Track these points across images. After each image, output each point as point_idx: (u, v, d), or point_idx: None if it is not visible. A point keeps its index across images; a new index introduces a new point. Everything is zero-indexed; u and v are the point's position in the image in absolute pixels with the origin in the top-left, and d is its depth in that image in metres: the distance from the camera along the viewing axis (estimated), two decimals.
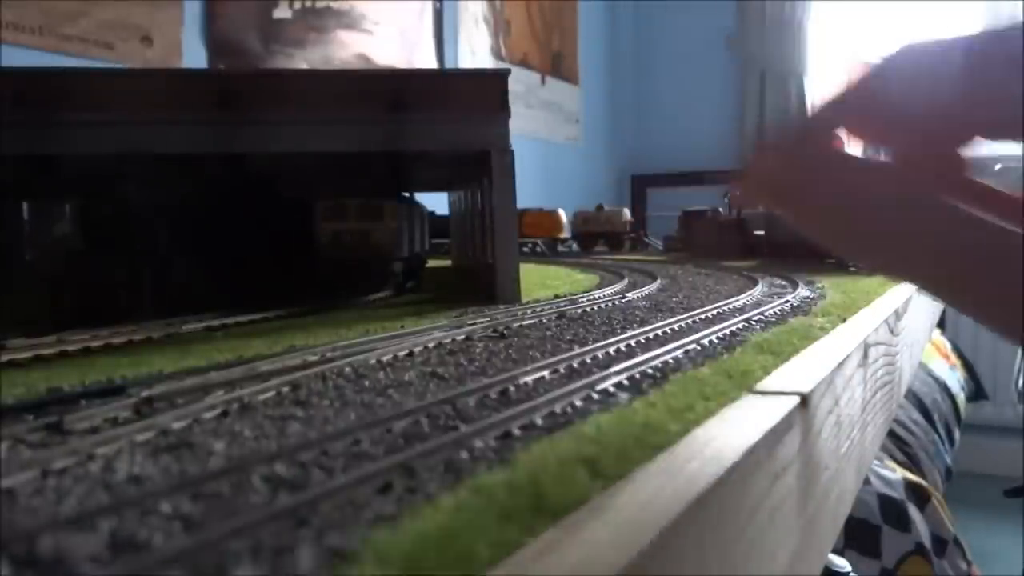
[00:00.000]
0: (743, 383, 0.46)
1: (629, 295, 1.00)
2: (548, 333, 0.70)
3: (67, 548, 0.25)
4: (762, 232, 1.78)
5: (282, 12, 2.38)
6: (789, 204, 0.32)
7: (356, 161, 1.03)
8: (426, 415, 0.41)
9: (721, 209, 2.04)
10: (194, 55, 2.13)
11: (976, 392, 2.97)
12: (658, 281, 1.17)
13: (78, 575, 0.24)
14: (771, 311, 0.81)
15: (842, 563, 1.37)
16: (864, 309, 0.85)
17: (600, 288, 1.06)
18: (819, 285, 1.06)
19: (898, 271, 0.30)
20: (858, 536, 1.58)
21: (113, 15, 1.91)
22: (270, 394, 0.47)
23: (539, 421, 0.40)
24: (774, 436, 0.38)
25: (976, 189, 0.34)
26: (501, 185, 0.95)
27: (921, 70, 0.31)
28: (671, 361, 0.55)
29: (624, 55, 4.37)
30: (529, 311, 0.81)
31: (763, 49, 3.97)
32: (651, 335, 0.67)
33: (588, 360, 0.56)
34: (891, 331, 0.85)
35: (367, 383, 0.51)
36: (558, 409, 0.42)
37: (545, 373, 0.52)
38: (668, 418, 0.38)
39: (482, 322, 0.74)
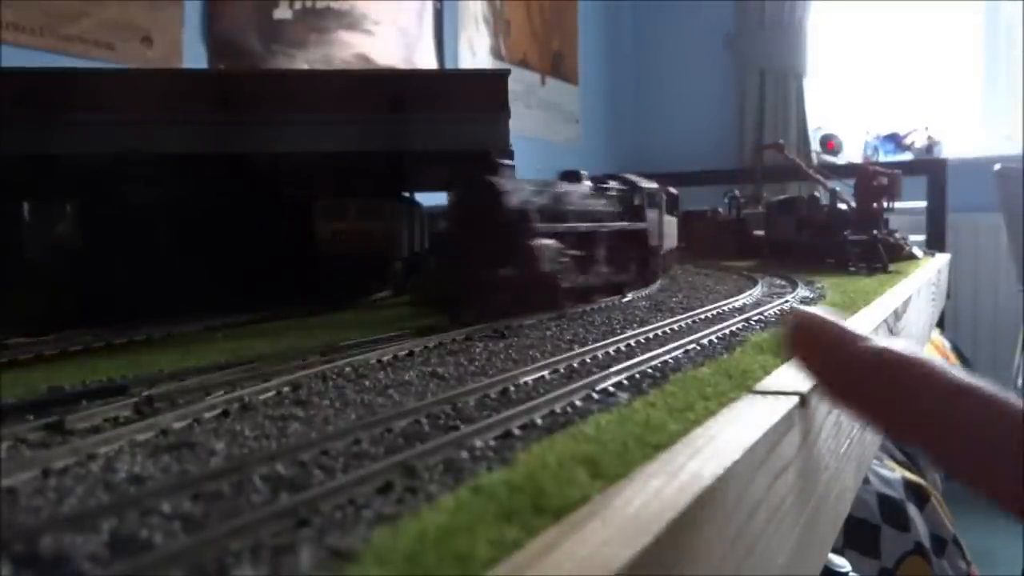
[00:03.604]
0: (743, 383, 0.46)
1: (629, 295, 1.00)
2: (548, 333, 0.70)
3: (68, 547, 0.25)
4: (762, 232, 1.78)
5: (282, 12, 2.38)
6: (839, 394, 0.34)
7: (356, 161, 1.04)
8: (426, 415, 0.41)
9: (721, 209, 2.04)
10: (194, 55, 2.13)
11: None
12: (658, 281, 1.17)
13: (79, 574, 0.24)
14: (771, 311, 0.81)
15: (842, 563, 1.37)
16: (864, 309, 0.85)
17: None
18: (819, 285, 1.06)
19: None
20: (858, 536, 1.58)
21: (114, 15, 1.91)
22: (270, 394, 0.48)
23: (539, 421, 0.40)
24: (774, 436, 0.38)
25: None
26: None
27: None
28: (671, 361, 0.55)
29: (624, 55, 4.37)
30: None
31: (762, 49, 3.98)
32: (651, 335, 0.67)
33: (588, 360, 0.56)
34: (891, 331, 0.85)
35: (367, 383, 0.51)
36: (558, 409, 0.42)
37: (545, 373, 0.52)
38: (668, 418, 0.38)
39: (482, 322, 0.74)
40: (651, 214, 1.07)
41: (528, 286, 0.78)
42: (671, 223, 1.33)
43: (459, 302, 0.77)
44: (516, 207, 0.77)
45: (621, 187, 1.03)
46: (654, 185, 1.09)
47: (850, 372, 0.33)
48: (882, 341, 0.32)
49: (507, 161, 0.80)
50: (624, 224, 0.99)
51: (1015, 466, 0.27)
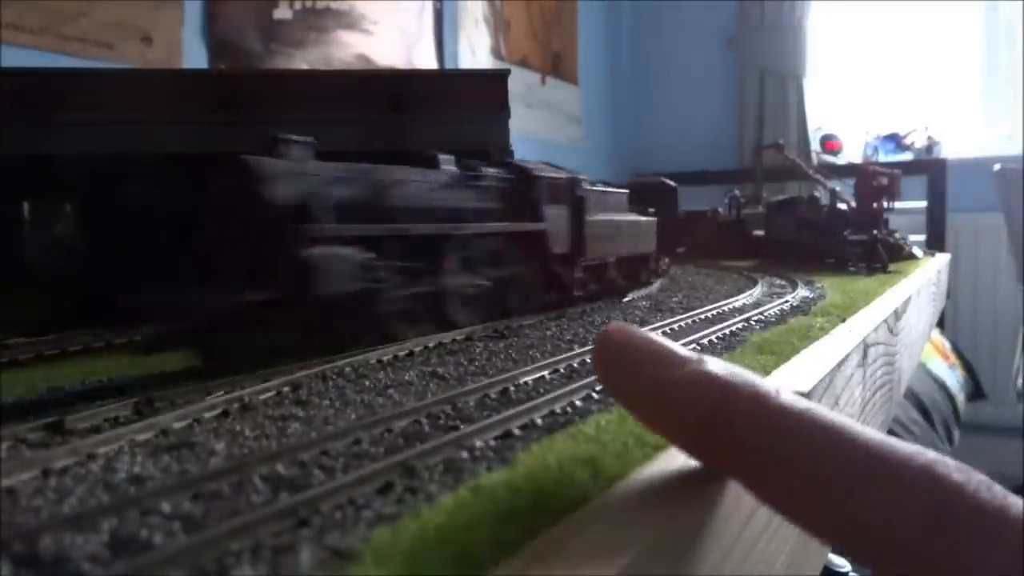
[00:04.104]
0: None
1: (629, 295, 1.00)
2: (548, 333, 0.70)
3: (68, 547, 0.25)
4: (762, 232, 1.78)
5: (282, 12, 2.38)
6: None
7: (356, 161, 1.04)
8: (426, 415, 0.41)
9: (721, 209, 2.04)
10: (194, 55, 2.13)
11: (975, 391, 2.97)
12: (658, 281, 1.18)
13: (79, 574, 0.24)
14: (771, 311, 0.81)
15: (842, 563, 1.37)
16: (864, 309, 0.85)
17: None
18: (819, 285, 1.06)
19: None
20: None
21: (113, 15, 1.91)
22: (270, 394, 0.48)
23: (539, 421, 0.40)
24: None
25: None
26: None
27: None
28: None
29: (624, 55, 4.36)
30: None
31: (762, 50, 3.98)
32: None
33: (588, 360, 0.56)
34: (890, 331, 0.85)
35: (367, 383, 0.51)
36: (558, 409, 0.42)
37: (545, 373, 0.52)
38: None
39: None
40: (555, 211, 0.82)
41: (299, 315, 0.53)
42: (641, 224, 1.08)
43: (205, 337, 0.52)
44: (283, 200, 0.55)
45: (504, 176, 0.78)
46: (562, 175, 0.85)
47: (662, 399, 0.28)
48: (707, 363, 0.28)
49: (300, 137, 0.59)
50: (503, 226, 0.75)
51: (837, 494, 0.24)
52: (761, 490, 0.27)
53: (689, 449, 0.29)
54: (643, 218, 1.11)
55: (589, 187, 0.91)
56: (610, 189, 1.01)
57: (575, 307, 0.86)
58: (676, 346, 0.30)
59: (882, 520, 0.23)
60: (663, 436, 0.30)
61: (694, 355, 0.29)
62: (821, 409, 0.26)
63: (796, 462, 0.25)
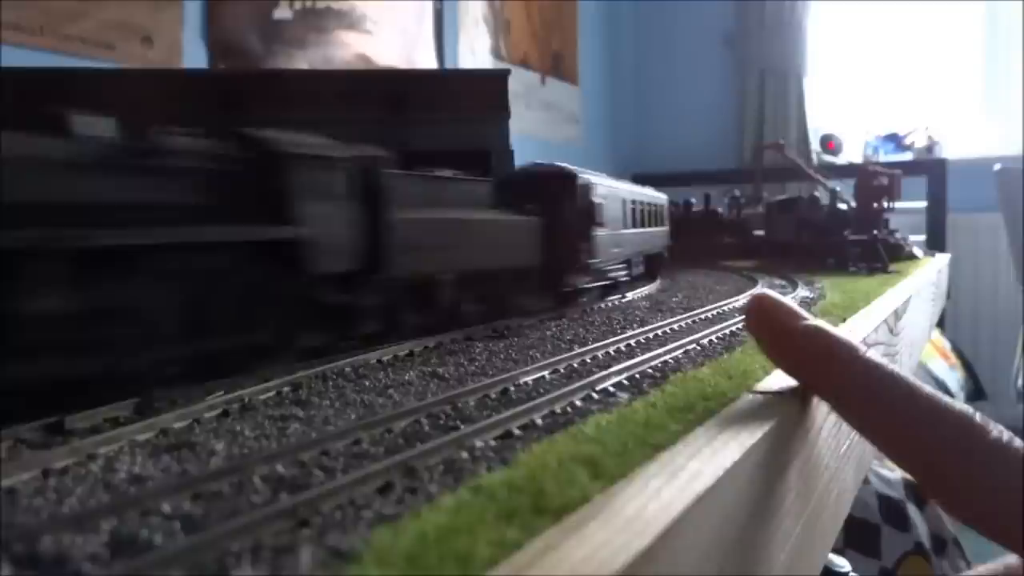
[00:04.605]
0: (743, 383, 0.46)
1: (629, 295, 1.00)
2: (548, 333, 0.70)
3: (68, 548, 0.25)
4: (762, 232, 1.78)
5: (282, 13, 2.38)
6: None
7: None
8: (426, 415, 0.41)
9: (721, 209, 2.04)
10: (194, 55, 2.13)
11: (975, 391, 2.97)
12: (658, 281, 1.18)
13: (79, 574, 0.24)
14: None
15: (842, 563, 1.37)
16: (864, 309, 0.85)
17: None
18: (819, 285, 1.06)
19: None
20: (858, 536, 1.58)
21: (114, 15, 1.91)
22: (270, 394, 0.48)
23: (539, 421, 0.40)
24: (774, 436, 0.38)
25: None
26: None
27: None
28: (671, 361, 0.56)
29: (624, 55, 4.37)
30: None
31: (762, 49, 3.98)
32: (651, 335, 0.67)
33: (588, 360, 0.56)
34: (891, 331, 0.85)
35: (367, 383, 0.51)
36: (558, 409, 0.42)
37: (545, 373, 0.52)
38: (668, 418, 0.38)
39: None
40: (327, 208, 0.57)
41: None
42: (511, 227, 0.78)
43: None
44: None
45: (220, 153, 0.53)
46: (341, 152, 0.60)
47: (788, 341, 0.41)
48: (818, 322, 0.40)
49: None
50: (187, 232, 0.48)
51: (908, 429, 0.35)
52: (847, 416, 0.39)
53: (800, 380, 0.42)
54: (515, 218, 0.79)
55: (404, 172, 0.65)
56: (453, 177, 0.74)
57: (365, 351, 0.59)
58: (799, 308, 0.42)
59: (932, 447, 0.35)
60: (785, 372, 0.43)
61: (809, 315, 0.41)
62: (894, 368, 0.38)
63: (875, 402, 0.37)
